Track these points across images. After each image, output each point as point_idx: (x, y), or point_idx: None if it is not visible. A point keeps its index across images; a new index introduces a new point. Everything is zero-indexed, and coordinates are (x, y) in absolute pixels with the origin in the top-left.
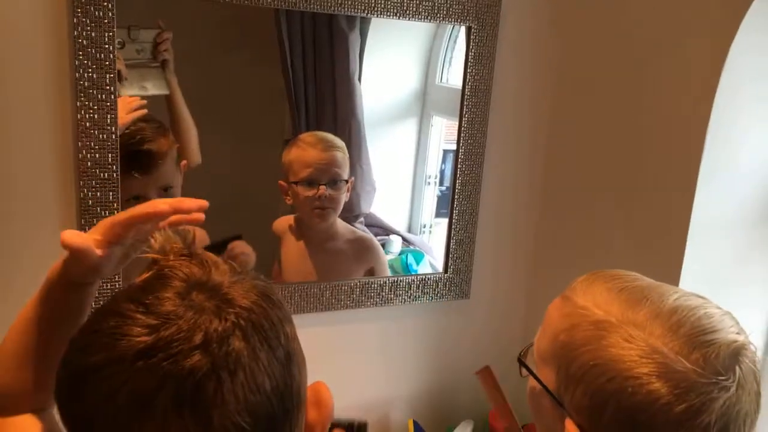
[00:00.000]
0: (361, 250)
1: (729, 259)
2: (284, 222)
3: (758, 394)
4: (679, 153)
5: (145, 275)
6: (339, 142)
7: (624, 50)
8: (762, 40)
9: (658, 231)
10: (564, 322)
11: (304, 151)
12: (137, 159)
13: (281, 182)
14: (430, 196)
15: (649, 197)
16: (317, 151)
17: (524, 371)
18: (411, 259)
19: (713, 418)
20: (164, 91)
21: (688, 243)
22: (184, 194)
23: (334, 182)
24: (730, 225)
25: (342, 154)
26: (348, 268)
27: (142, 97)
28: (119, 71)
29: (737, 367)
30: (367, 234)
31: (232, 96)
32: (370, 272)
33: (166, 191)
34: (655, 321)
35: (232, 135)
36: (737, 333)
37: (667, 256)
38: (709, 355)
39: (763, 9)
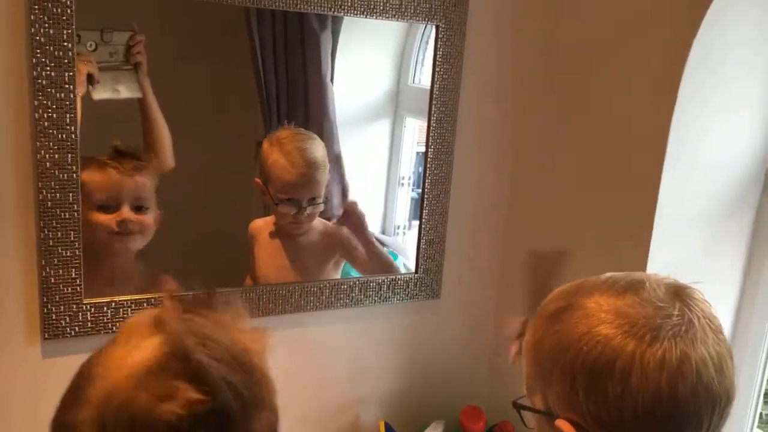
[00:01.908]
0: (328, 237)
1: (694, 255)
2: (260, 222)
3: (717, 332)
4: (643, 151)
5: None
6: (321, 154)
7: (589, 47)
8: (723, 36)
9: (625, 228)
10: (530, 338)
11: (287, 169)
12: (123, 155)
13: (258, 180)
14: (404, 197)
15: (616, 195)
16: (301, 173)
17: (524, 414)
18: None
19: (666, 345)
20: (137, 94)
21: (653, 239)
22: (160, 199)
23: (314, 200)
24: (694, 221)
25: (324, 171)
26: (318, 259)
27: (115, 100)
28: (91, 74)
29: (678, 302)
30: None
31: (204, 97)
32: (343, 256)
33: (139, 209)
34: (593, 293)
35: (204, 136)
36: (675, 280)
37: (633, 253)
38: (643, 294)
39: (725, 3)
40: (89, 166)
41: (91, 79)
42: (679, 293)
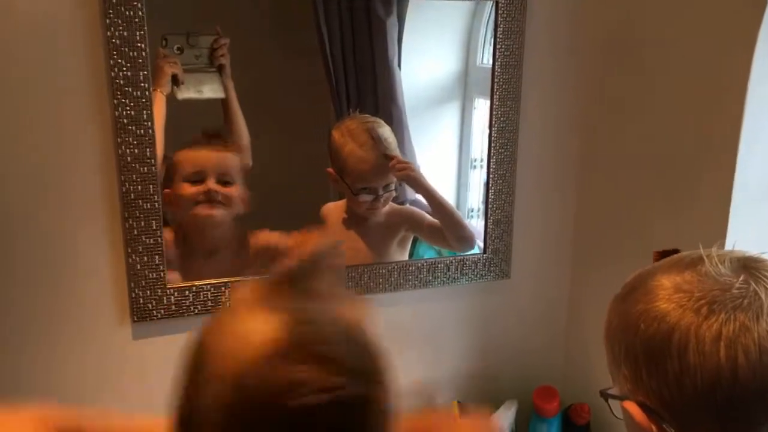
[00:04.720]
0: (392, 216)
1: None
2: (331, 206)
3: None
4: (719, 120)
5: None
6: (392, 140)
7: (659, 16)
8: None
9: (701, 201)
10: (604, 325)
11: (363, 160)
12: (211, 136)
13: (330, 170)
14: (477, 180)
15: (690, 165)
16: (377, 163)
17: (612, 405)
18: None
19: (723, 318)
20: (220, 95)
21: (731, 212)
22: (247, 180)
23: (388, 186)
24: None
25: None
26: (384, 238)
27: (198, 100)
28: (176, 75)
29: (744, 275)
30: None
31: (278, 90)
32: (410, 230)
33: (224, 183)
34: (657, 273)
35: (279, 127)
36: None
37: (710, 227)
38: (703, 268)
39: None
40: (182, 149)
41: (175, 80)
42: (747, 266)
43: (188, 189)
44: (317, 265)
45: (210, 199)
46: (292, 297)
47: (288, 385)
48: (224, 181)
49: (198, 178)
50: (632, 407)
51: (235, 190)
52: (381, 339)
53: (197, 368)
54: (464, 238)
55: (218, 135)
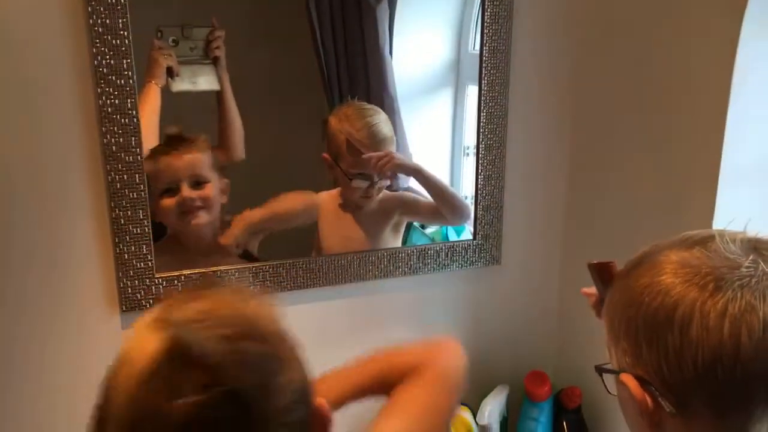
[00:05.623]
0: (385, 202)
1: (761, 207)
2: (324, 195)
3: None
4: (706, 102)
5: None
6: (388, 127)
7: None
8: None
9: (689, 182)
10: (606, 299)
11: (359, 145)
12: (173, 139)
13: (326, 156)
14: (470, 167)
15: (679, 147)
16: (373, 149)
17: (605, 377)
18: (451, 231)
19: (730, 295)
20: (215, 87)
21: (718, 195)
22: (232, 183)
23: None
24: (760, 171)
25: (392, 144)
26: (376, 224)
27: (193, 92)
28: (171, 67)
29: (753, 255)
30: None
31: (268, 80)
32: (405, 214)
33: (199, 185)
34: (664, 249)
35: (272, 118)
36: (756, 234)
37: (698, 208)
38: (712, 246)
39: None
40: (148, 158)
41: (170, 72)
42: (757, 247)
43: (167, 202)
44: (207, 277)
45: (188, 208)
46: (182, 310)
47: (166, 390)
48: (198, 182)
49: (172, 188)
50: (629, 380)
51: (211, 188)
52: (287, 328)
53: (104, 388)
54: (458, 207)
55: (180, 137)
